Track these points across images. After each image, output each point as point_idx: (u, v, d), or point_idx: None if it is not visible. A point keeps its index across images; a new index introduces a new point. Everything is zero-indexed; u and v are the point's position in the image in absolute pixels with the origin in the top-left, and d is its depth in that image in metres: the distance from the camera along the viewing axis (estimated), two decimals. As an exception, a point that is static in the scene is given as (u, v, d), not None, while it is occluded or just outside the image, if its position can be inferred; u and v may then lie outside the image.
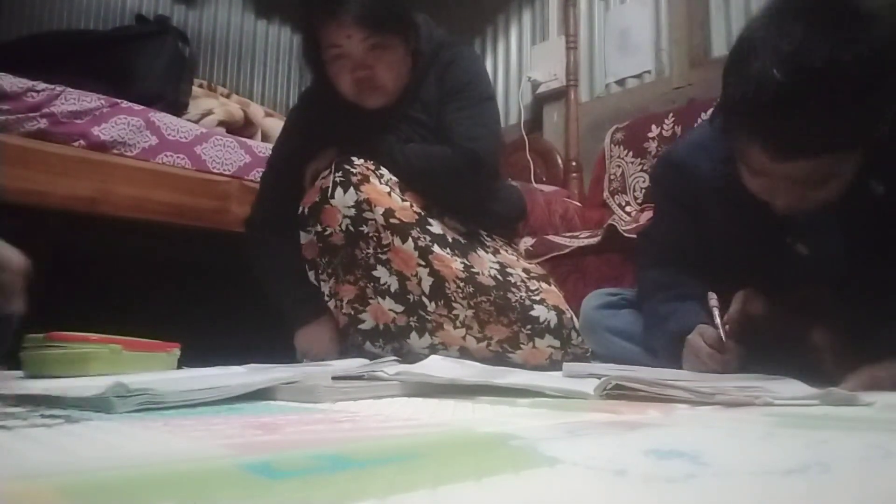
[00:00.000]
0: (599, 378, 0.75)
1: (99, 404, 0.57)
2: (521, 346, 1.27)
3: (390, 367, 0.86)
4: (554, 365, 1.23)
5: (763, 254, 1.00)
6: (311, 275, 1.31)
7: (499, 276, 1.27)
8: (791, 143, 0.78)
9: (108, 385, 0.58)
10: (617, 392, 0.72)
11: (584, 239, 1.79)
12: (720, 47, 2.22)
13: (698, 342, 0.98)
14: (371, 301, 1.25)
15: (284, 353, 1.34)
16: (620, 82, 2.49)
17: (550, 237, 1.89)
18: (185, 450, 0.42)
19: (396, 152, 1.29)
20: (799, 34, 0.75)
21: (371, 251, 1.23)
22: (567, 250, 1.77)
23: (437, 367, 0.88)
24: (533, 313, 1.26)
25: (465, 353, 1.23)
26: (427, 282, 1.22)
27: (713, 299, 0.99)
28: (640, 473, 0.34)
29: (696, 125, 1.99)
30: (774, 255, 0.99)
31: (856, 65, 0.73)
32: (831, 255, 0.95)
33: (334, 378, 0.79)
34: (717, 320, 0.97)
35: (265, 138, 2.27)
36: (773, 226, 0.95)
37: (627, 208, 2.14)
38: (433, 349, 1.24)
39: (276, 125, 2.20)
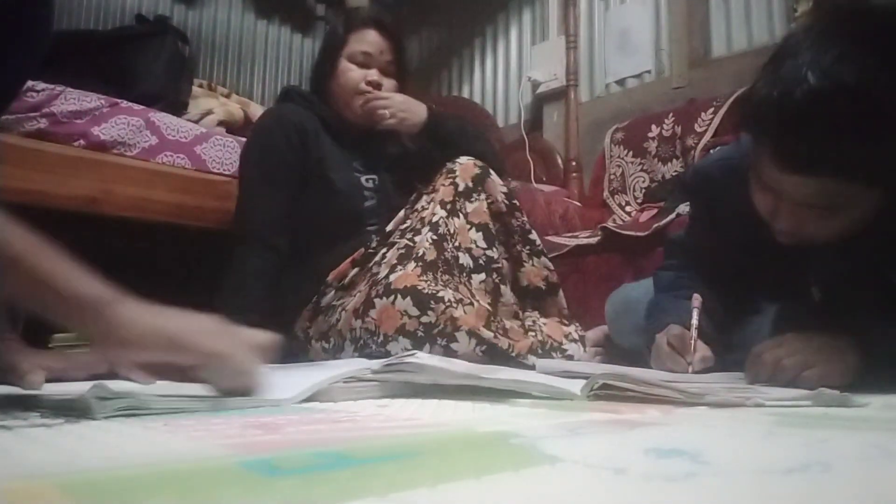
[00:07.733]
0: (575, 376, 0.75)
1: (79, 407, 0.55)
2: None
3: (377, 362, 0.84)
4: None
5: (779, 286, 0.97)
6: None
7: None
8: (802, 154, 0.75)
9: (89, 387, 0.55)
10: (604, 392, 0.71)
11: (582, 238, 1.79)
12: (720, 47, 2.22)
13: (661, 341, 0.97)
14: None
15: (286, 353, 1.33)
16: (620, 82, 2.49)
17: (550, 237, 1.89)
18: (185, 450, 0.42)
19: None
20: (840, 46, 0.72)
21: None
22: (566, 249, 1.77)
23: (426, 361, 0.87)
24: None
25: None
26: None
27: (697, 300, 0.97)
28: (640, 472, 0.34)
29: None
30: (791, 293, 0.96)
31: (887, 91, 0.70)
32: (844, 308, 0.89)
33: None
34: (693, 321, 0.94)
35: (265, 138, 2.27)
36: (795, 261, 0.91)
37: (627, 208, 2.14)
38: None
39: (276, 125, 2.19)
